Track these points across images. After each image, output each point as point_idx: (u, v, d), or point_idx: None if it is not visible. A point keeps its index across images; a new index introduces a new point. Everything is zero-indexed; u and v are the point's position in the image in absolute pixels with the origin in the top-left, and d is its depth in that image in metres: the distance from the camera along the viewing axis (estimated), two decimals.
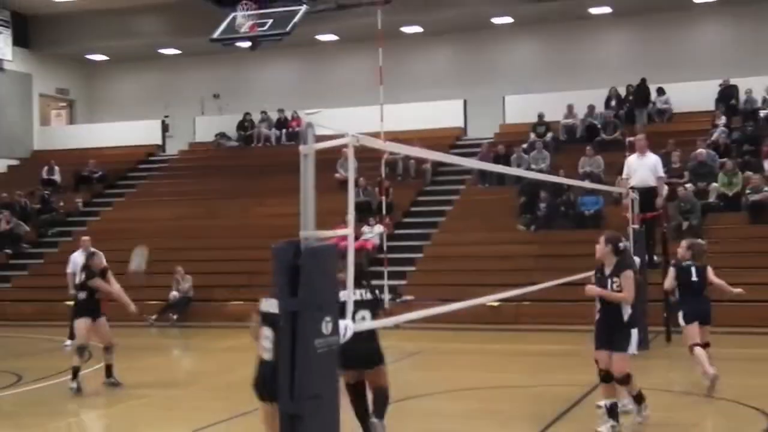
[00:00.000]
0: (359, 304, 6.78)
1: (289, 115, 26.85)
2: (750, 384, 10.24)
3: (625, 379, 7.77)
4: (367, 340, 6.79)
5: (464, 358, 13.45)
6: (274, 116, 27.33)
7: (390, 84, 27.11)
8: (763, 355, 12.97)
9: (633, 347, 7.74)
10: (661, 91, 23.48)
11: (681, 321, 9.89)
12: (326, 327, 4.67)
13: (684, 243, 10.78)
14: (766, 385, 10.26)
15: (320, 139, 5.00)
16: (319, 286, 4.68)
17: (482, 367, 11.30)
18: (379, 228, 19.72)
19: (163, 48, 29.06)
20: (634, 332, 7.76)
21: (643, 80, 23.32)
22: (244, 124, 27.61)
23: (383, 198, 19.56)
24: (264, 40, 18.40)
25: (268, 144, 27.05)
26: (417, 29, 26.87)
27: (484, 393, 10.22)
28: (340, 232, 5.10)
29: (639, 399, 8.04)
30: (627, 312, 7.77)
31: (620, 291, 7.73)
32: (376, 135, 17.30)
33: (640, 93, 23.35)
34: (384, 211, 19.39)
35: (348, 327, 4.84)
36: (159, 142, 29.33)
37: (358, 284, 6.68)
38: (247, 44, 19.30)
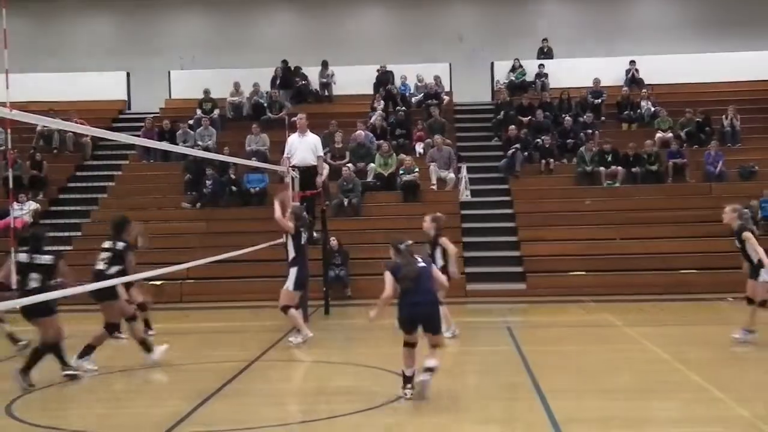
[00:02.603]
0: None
1: None
2: (395, 352, 10.92)
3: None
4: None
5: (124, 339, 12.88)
6: None
7: (46, 51, 25.36)
8: None
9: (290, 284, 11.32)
10: (325, 64, 24.17)
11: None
12: None
13: (428, 217, 11.66)
14: None
15: None
16: None
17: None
18: (31, 204, 18.29)
19: None
20: (293, 271, 11.33)
21: (285, 62, 23.91)
22: None
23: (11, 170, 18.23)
24: None
25: None
26: None
27: (142, 373, 9.88)
28: None
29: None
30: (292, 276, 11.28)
31: None
32: (20, 105, 15.96)
33: (284, 75, 23.93)
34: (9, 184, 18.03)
35: None
36: None
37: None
38: None
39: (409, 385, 8.09)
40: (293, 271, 11.37)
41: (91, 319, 10.47)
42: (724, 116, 21.53)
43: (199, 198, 19.63)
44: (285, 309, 11.35)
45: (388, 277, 8.13)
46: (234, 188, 19.73)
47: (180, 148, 16.00)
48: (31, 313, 8.80)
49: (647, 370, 9.65)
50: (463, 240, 18.41)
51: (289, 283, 11.34)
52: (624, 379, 9.27)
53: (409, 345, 8.20)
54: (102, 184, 21.10)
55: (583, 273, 17.24)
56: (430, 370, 8.14)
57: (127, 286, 10.99)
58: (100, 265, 9.60)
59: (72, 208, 19.98)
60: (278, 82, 23.84)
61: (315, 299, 14.35)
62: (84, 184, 21.14)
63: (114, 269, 9.56)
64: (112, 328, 9.71)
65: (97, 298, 9.45)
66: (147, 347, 10.04)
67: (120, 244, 9.75)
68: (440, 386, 8.39)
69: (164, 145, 16.13)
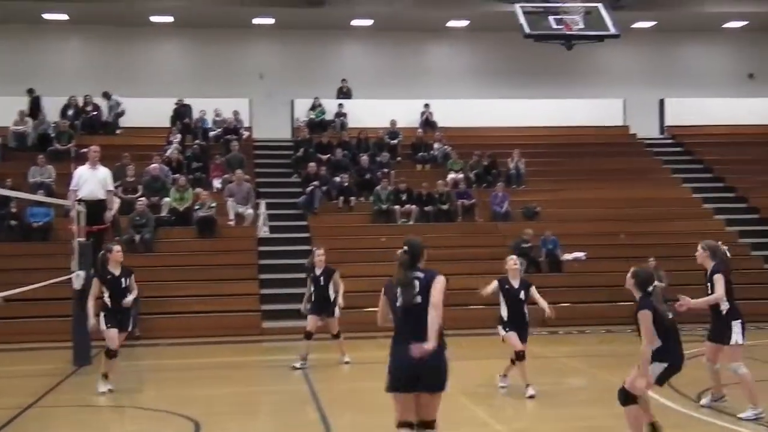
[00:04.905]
0: None
1: None
2: (184, 394, 10.58)
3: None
4: None
5: None
6: None
7: None
8: (194, 365, 13.52)
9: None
10: (107, 95, 23.32)
11: None
12: None
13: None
14: (196, 395, 10.64)
15: None
16: None
17: None
18: None
19: None
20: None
21: (30, 90, 22.86)
22: None
23: None
24: None
25: None
26: None
27: None
28: None
29: None
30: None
31: None
32: None
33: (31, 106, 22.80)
34: None
35: None
36: None
37: None
38: None
39: None
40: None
41: None
42: (509, 159, 22.75)
43: None
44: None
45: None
46: (14, 222, 18.52)
47: None
48: None
49: None
50: (260, 277, 18.25)
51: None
52: None
53: None
54: None
55: (378, 309, 17.43)
56: None
57: None
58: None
59: None
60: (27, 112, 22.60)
61: (100, 339, 13.62)
62: None
63: None
64: None
65: None
66: None
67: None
68: (230, 428, 8.18)
69: None
